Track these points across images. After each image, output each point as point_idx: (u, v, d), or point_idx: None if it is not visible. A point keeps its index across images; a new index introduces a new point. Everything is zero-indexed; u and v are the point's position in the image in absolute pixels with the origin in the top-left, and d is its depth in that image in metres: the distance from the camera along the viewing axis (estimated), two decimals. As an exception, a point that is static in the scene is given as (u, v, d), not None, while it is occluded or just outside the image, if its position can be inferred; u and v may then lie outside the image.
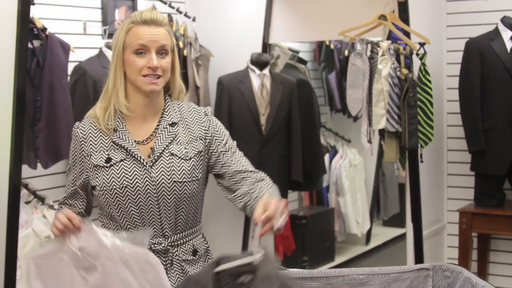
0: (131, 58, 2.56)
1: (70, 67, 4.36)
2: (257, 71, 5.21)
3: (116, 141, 2.58)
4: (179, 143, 2.62)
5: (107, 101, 2.62)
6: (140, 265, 2.36)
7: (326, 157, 6.45)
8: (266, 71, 5.22)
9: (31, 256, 2.49)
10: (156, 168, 2.56)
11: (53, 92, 4.09)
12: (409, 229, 4.86)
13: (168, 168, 2.57)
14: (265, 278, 2.10)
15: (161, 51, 2.57)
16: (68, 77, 4.33)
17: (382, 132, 4.68)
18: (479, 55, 4.82)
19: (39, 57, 4.03)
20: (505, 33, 4.81)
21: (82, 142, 2.62)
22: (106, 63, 4.49)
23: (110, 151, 2.58)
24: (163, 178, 2.56)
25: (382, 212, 7.12)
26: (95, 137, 2.61)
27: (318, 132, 5.88)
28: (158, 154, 2.58)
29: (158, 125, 2.64)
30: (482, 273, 5.21)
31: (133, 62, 2.55)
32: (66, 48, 4.22)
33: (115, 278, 2.38)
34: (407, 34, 4.61)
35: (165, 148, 2.59)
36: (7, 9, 3.81)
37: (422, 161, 4.70)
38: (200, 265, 2.69)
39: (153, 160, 2.57)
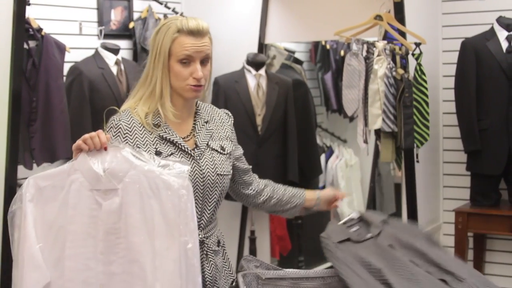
0: (176, 67, 2.60)
1: (66, 67, 4.36)
2: (253, 72, 5.21)
3: (163, 136, 2.61)
4: (214, 139, 2.73)
5: (152, 106, 2.63)
6: (170, 193, 2.33)
7: (322, 157, 6.44)
8: (262, 71, 5.22)
9: (32, 176, 2.39)
10: (203, 161, 2.64)
11: (49, 93, 4.09)
12: (405, 229, 4.86)
13: (211, 161, 2.67)
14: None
15: (205, 60, 2.63)
16: (64, 78, 4.33)
17: (378, 132, 4.67)
18: (475, 55, 4.83)
19: (34, 57, 4.03)
20: (501, 33, 4.82)
21: (127, 135, 2.58)
22: (102, 64, 4.50)
23: (157, 145, 2.59)
24: (208, 171, 2.64)
25: (378, 212, 7.11)
26: (140, 131, 2.60)
27: (314, 132, 5.88)
28: (203, 148, 2.66)
29: (195, 123, 2.72)
30: (478, 273, 5.22)
31: (178, 71, 2.59)
32: (61, 49, 4.22)
33: (135, 205, 2.34)
34: (402, 34, 4.61)
35: (207, 144, 2.69)
36: (3, 9, 3.81)
37: (418, 161, 4.70)
38: (221, 255, 2.77)
39: (199, 154, 2.64)
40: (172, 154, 2.59)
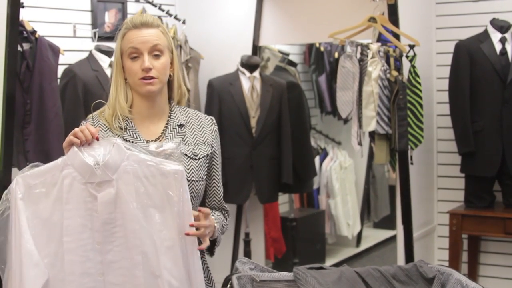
0: (127, 64, 2.58)
1: (60, 70, 4.35)
2: (247, 74, 5.21)
3: (127, 139, 2.58)
4: (187, 144, 2.65)
5: (113, 107, 2.63)
6: (164, 179, 2.40)
7: (317, 159, 6.45)
8: (256, 73, 5.22)
9: (20, 174, 2.41)
10: None
11: (43, 95, 4.08)
12: (399, 231, 4.87)
13: None
14: None
15: (155, 52, 2.57)
16: (58, 80, 4.32)
17: (372, 134, 4.68)
18: (469, 57, 4.84)
19: (28, 60, 4.02)
20: (494, 35, 4.83)
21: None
22: (96, 66, 4.49)
23: None
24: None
25: (372, 214, 7.12)
26: (105, 134, 2.61)
27: (308, 134, 5.88)
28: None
29: (166, 126, 2.67)
30: (472, 274, 5.23)
31: (129, 67, 2.58)
32: (55, 51, 4.21)
33: (130, 193, 2.39)
34: (396, 36, 4.62)
35: None
36: (-3, 12, 3.79)
37: (412, 163, 4.71)
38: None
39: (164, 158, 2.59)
40: None
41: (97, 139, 2.41)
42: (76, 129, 2.40)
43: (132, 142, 2.58)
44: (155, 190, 2.40)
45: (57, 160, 2.42)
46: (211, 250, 2.67)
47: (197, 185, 2.62)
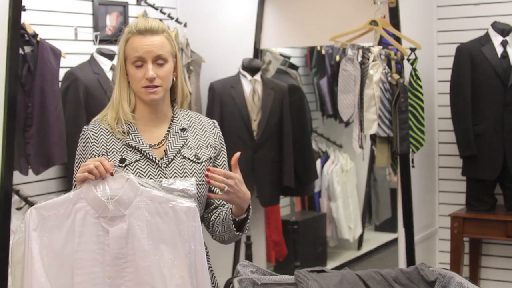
0: (131, 70, 2.58)
1: (61, 73, 4.36)
2: (249, 77, 5.21)
3: (130, 143, 2.59)
4: (189, 148, 2.65)
5: (116, 111, 2.62)
6: (177, 216, 2.39)
7: (318, 163, 6.45)
8: (257, 76, 5.23)
9: (34, 206, 2.42)
10: (170, 170, 2.58)
11: (44, 98, 4.09)
12: (401, 234, 4.87)
13: (181, 170, 2.59)
14: None
15: (159, 61, 2.57)
16: (59, 83, 4.32)
17: (373, 137, 4.68)
18: (470, 60, 4.84)
19: (30, 63, 4.03)
20: (496, 38, 4.83)
21: (94, 143, 2.60)
22: (98, 69, 4.50)
23: (123, 152, 2.58)
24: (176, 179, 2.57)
25: (374, 217, 7.11)
26: (107, 139, 2.61)
27: (310, 137, 5.88)
28: (172, 156, 2.60)
29: (169, 130, 2.66)
30: (474, 277, 5.22)
31: (133, 74, 2.58)
32: (57, 54, 4.21)
33: (142, 229, 2.39)
34: (398, 39, 4.62)
35: (178, 151, 2.62)
36: (-2, 15, 3.79)
37: (413, 166, 4.71)
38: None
39: (167, 162, 2.59)
40: (137, 161, 2.57)
41: (112, 174, 2.41)
42: (90, 165, 2.37)
43: (135, 146, 2.58)
44: (167, 227, 2.40)
45: (69, 193, 2.43)
46: (242, 226, 2.63)
47: (200, 189, 2.61)
